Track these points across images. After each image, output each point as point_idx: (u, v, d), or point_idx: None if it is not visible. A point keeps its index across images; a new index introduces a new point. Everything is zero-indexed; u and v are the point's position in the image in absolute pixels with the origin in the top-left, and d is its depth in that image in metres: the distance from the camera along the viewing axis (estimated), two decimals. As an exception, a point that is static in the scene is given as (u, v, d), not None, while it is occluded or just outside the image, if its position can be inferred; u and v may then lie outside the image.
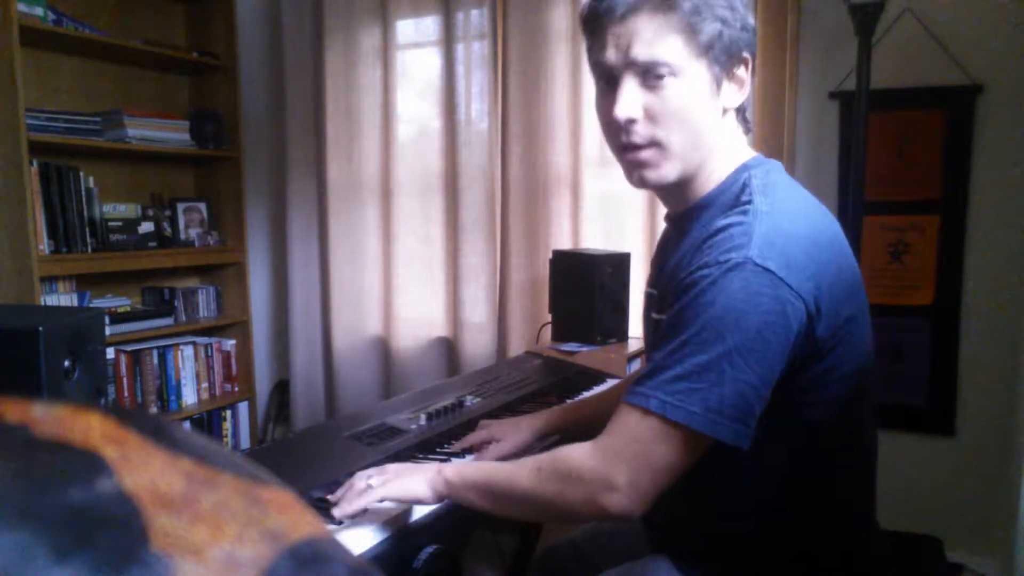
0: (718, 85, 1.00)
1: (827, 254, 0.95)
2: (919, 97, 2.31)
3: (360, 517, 1.11)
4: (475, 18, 2.81)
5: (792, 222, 0.95)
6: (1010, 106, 2.23)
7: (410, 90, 3.02)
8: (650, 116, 0.99)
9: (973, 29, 2.24)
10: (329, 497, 1.17)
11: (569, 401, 1.75)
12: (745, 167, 1.04)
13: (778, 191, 0.99)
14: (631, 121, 0.99)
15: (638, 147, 1.01)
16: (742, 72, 1.02)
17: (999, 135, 2.25)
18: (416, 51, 3.01)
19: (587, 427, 1.46)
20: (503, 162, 2.79)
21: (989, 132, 2.26)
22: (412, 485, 1.08)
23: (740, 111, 1.07)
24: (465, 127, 2.85)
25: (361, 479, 1.12)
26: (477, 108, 2.84)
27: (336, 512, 1.08)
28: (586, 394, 1.84)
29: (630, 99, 0.98)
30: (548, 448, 1.42)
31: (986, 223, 2.29)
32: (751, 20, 1.02)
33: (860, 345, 1.00)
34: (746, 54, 1.02)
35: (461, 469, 1.08)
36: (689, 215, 1.07)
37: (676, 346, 0.91)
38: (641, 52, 0.97)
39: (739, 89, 1.03)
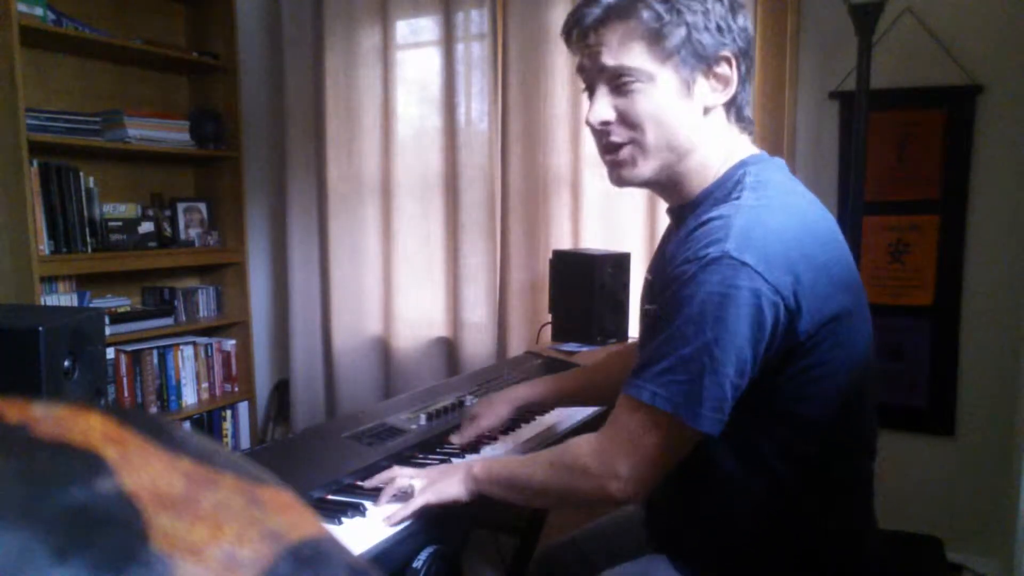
0: (689, 87, 1.02)
1: (813, 250, 0.96)
2: (919, 97, 2.31)
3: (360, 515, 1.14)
4: (475, 18, 2.81)
5: (774, 216, 0.96)
6: (1010, 106, 2.23)
7: (410, 90, 3.02)
8: (623, 119, 1.04)
9: (973, 29, 2.24)
10: (367, 484, 1.23)
11: (574, 407, 1.75)
12: (743, 164, 1.05)
13: (770, 187, 1.00)
14: (605, 123, 1.05)
15: (617, 147, 1.06)
16: (724, 70, 1.03)
17: (999, 135, 2.25)
18: (416, 51, 3.01)
19: (563, 402, 1.51)
20: (503, 162, 2.79)
21: (989, 132, 2.26)
22: (449, 488, 1.14)
23: (733, 109, 1.06)
24: (465, 127, 2.85)
25: (403, 479, 1.18)
26: (477, 108, 2.84)
27: (385, 520, 1.13)
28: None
29: (601, 104, 1.04)
30: (547, 439, 1.44)
31: (986, 223, 2.29)
32: (739, 19, 1.03)
33: (853, 343, 1.00)
34: (726, 52, 1.02)
35: (487, 465, 1.15)
36: (686, 208, 1.09)
37: (664, 339, 0.95)
38: (608, 60, 1.02)
39: (723, 88, 1.03)
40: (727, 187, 1.03)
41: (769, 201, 0.98)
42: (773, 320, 0.92)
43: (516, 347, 2.77)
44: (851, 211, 2.18)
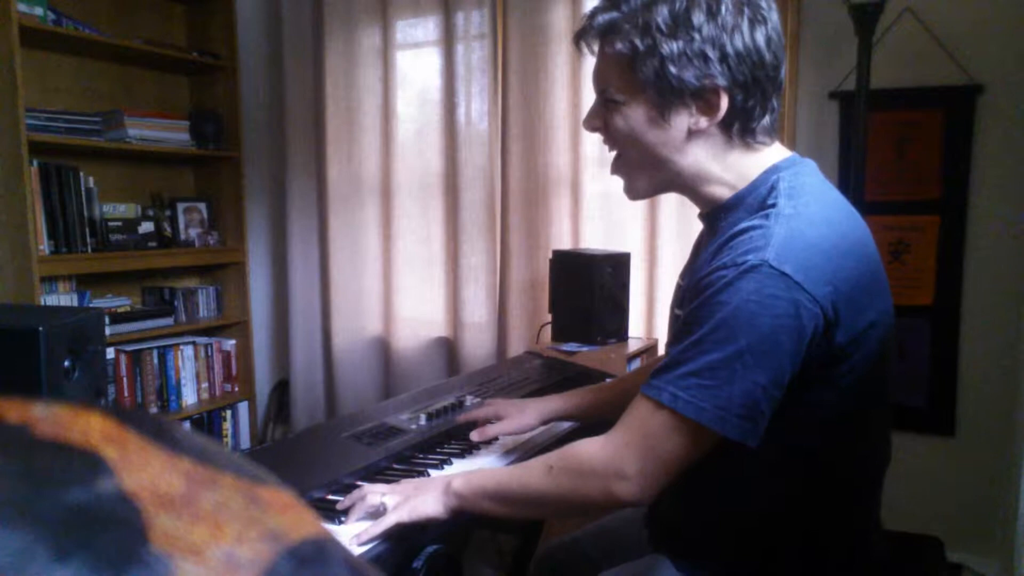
0: (662, 115, 1.00)
1: (848, 260, 0.95)
2: (919, 97, 2.31)
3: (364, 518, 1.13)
4: (475, 18, 2.81)
5: (813, 227, 0.94)
6: (1010, 106, 2.23)
7: (410, 90, 3.02)
8: (607, 132, 1.07)
9: (973, 29, 2.24)
10: (338, 506, 1.17)
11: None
12: (775, 168, 1.03)
13: (805, 194, 0.98)
14: (593, 129, 1.09)
15: (615, 166, 1.11)
16: (710, 98, 0.98)
17: (999, 135, 2.25)
18: (416, 51, 3.01)
19: (593, 416, 1.46)
20: (503, 162, 2.79)
21: (989, 132, 2.26)
22: (424, 506, 1.08)
23: (736, 127, 1.01)
24: (465, 127, 2.85)
25: (375, 496, 1.12)
26: (477, 108, 2.84)
27: (354, 539, 1.07)
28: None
29: (591, 112, 1.08)
30: (551, 446, 1.42)
31: (986, 223, 2.29)
32: (737, 40, 0.96)
33: (878, 350, 0.99)
34: (708, 83, 0.97)
35: (470, 479, 1.09)
36: (717, 214, 1.07)
37: (691, 343, 0.93)
38: (595, 78, 1.07)
39: (712, 112, 0.99)
40: (760, 193, 1.01)
41: (807, 210, 0.96)
42: (812, 332, 0.91)
43: (516, 347, 2.77)
44: (851, 211, 2.17)
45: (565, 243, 2.72)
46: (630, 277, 2.48)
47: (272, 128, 3.31)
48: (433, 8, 2.90)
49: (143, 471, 0.24)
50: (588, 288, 2.35)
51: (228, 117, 3.22)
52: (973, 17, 2.24)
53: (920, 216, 2.36)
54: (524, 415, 1.40)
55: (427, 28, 2.96)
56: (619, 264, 2.43)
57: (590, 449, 1.00)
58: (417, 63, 3.01)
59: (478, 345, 2.90)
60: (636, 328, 2.57)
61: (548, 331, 2.52)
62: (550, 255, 2.51)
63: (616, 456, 0.96)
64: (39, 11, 2.57)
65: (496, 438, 1.46)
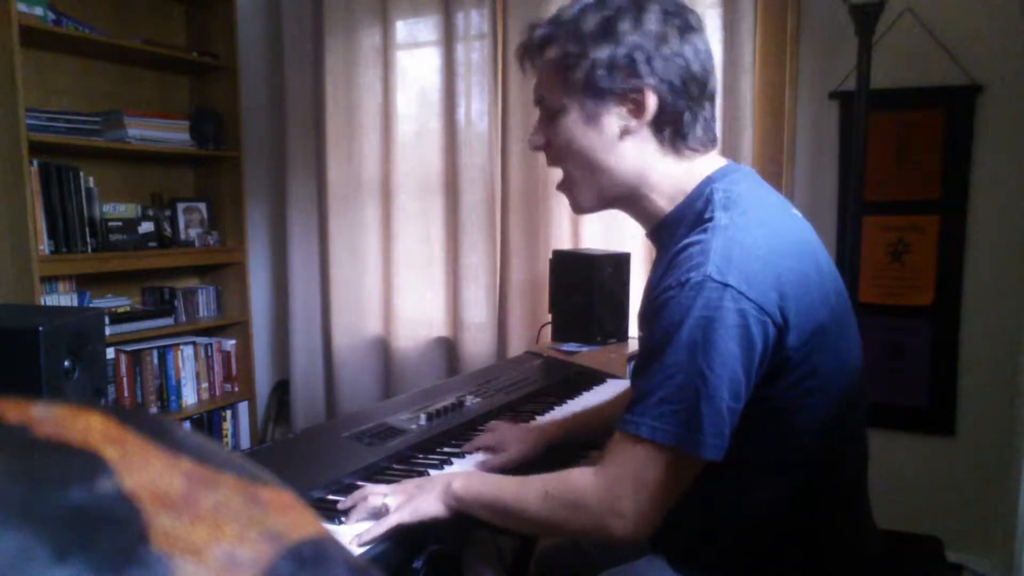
0: (594, 118, 1.05)
1: (789, 260, 0.96)
2: (919, 97, 2.31)
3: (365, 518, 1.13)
4: (475, 18, 2.81)
5: (750, 234, 0.95)
6: (1010, 106, 2.23)
7: (410, 90, 3.02)
8: (551, 146, 1.12)
9: (973, 29, 2.24)
10: (339, 506, 1.17)
11: (576, 408, 1.74)
12: (708, 180, 1.05)
13: (741, 203, 0.99)
14: (538, 148, 1.14)
15: (560, 183, 1.15)
16: (640, 97, 1.02)
17: (999, 135, 2.25)
18: (416, 51, 3.01)
19: (597, 436, 1.47)
20: (503, 162, 2.79)
21: (989, 132, 2.26)
22: (425, 506, 1.10)
23: (668, 131, 1.04)
24: (465, 127, 2.85)
25: (376, 497, 1.12)
26: (477, 108, 2.84)
27: (355, 539, 1.08)
28: (586, 394, 1.84)
29: (536, 130, 1.14)
30: (553, 462, 1.42)
31: (986, 223, 2.29)
32: (665, 48, 1.01)
33: (840, 350, 1.00)
34: (636, 84, 1.01)
35: (470, 483, 1.10)
36: (661, 232, 1.09)
37: (654, 369, 0.94)
38: (534, 92, 1.13)
39: (641, 114, 1.03)
40: (697, 207, 1.03)
41: (743, 219, 0.97)
42: (762, 339, 0.92)
43: (516, 347, 2.77)
44: (851, 211, 2.18)
45: (565, 243, 2.72)
46: (630, 277, 2.48)
47: (272, 128, 3.31)
48: (433, 8, 2.89)
49: (143, 471, 0.24)
50: (588, 288, 2.34)
51: (228, 117, 3.22)
52: (973, 17, 2.24)
53: (920, 216, 2.36)
54: (525, 445, 1.40)
55: (427, 28, 2.96)
56: (619, 264, 2.43)
57: (584, 483, 0.99)
58: (417, 63, 3.01)
59: (478, 345, 2.90)
60: (636, 328, 2.57)
61: (548, 331, 2.52)
62: (550, 255, 2.51)
63: (609, 495, 0.96)
64: (39, 11, 2.57)
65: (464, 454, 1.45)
